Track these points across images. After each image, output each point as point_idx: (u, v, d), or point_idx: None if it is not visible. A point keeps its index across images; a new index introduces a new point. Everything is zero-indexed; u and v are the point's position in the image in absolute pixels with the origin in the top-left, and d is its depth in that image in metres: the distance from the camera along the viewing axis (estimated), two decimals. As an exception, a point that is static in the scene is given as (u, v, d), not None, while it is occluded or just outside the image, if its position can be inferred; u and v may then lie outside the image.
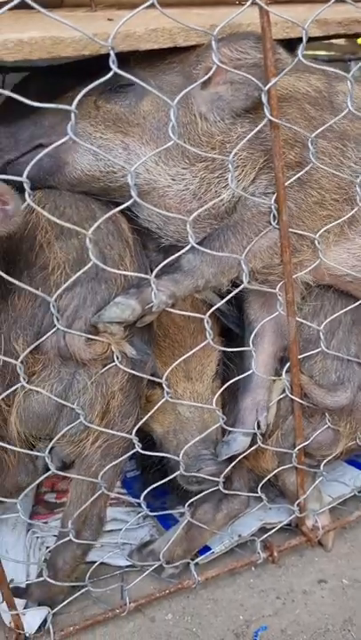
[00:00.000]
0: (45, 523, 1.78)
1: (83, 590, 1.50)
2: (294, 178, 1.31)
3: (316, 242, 1.38)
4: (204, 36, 1.26)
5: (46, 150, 1.14)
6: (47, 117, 1.37)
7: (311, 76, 1.46)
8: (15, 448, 1.32)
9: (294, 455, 1.56)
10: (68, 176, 1.38)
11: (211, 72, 1.21)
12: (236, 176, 1.36)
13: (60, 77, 1.74)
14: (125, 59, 1.36)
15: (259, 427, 1.50)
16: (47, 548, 1.70)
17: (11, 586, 1.46)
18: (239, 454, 1.49)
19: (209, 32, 1.14)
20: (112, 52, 1.05)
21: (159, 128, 1.35)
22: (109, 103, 1.36)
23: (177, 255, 1.28)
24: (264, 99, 1.22)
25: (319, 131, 1.30)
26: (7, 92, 1.10)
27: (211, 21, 1.35)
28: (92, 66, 1.18)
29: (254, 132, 1.28)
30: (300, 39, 1.22)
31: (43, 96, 1.40)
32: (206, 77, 1.24)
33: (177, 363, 1.37)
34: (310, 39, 1.60)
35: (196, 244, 1.24)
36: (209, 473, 1.46)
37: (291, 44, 1.44)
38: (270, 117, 1.23)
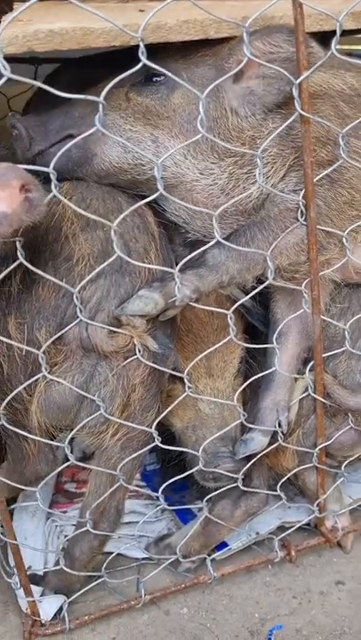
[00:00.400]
0: (64, 512, 1.80)
1: (99, 580, 1.52)
2: (323, 174, 1.29)
3: (343, 240, 1.36)
4: (236, 28, 1.25)
5: (74, 141, 1.15)
6: (77, 108, 1.37)
7: (347, 74, 1.43)
8: (36, 437, 1.33)
9: (315, 455, 1.54)
10: (96, 168, 1.37)
11: (241, 65, 1.19)
12: (266, 172, 1.34)
13: (91, 69, 1.74)
14: (157, 51, 1.36)
15: (280, 426, 1.48)
16: (65, 536, 1.71)
17: (28, 573, 1.48)
18: (258, 453, 1.48)
19: (241, 24, 1.12)
20: (141, 44, 1.04)
21: (189, 121, 1.33)
22: (140, 95, 1.35)
23: (202, 250, 1.27)
24: (295, 92, 1.20)
25: (350, 127, 1.27)
26: (38, 83, 1.11)
27: (243, 13, 1.33)
28: (124, 57, 1.17)
29: (284, 125, 1.26)
30: (334, 32, 1.20)
31: (74, 87, 1.41)
32: (237, 70, 1.22)
33: (199, 358, 1.37)
34: (345, 32, 1.59)
35: (222, 239, 1.23)
36: (226, 470, 1.45)
37: (325, 38, 1.41)
38: (301, 112, 1.21)
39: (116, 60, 1.31)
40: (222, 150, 1.34)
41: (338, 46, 1.20)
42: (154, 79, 1.34)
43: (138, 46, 1.05)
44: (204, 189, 1.36)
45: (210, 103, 1.32)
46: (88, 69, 1.77)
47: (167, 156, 1.32)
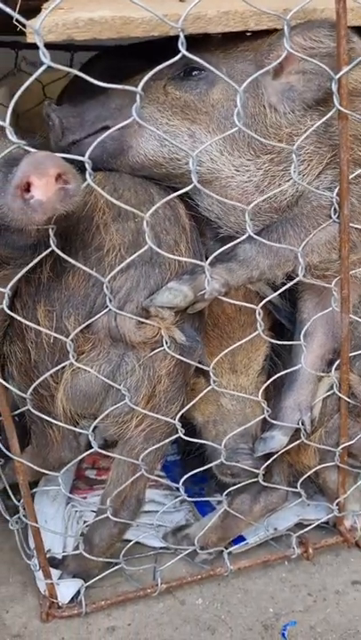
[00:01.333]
0: (84, 498, 1.82)
1: (116, 567, 1.54)
2: (359, 172, 1.27)
3: (377, 239, 1.34)
4: (277, 20, 1.23)
5: (109, 131, 1.15)
6: (114, 99, 1.36)
7: None
8: (60, 423, 1.35)
9: (337, 454, 1.53)
10: (131, 160, 1.37)
11: (280, 59, 1.18)
12: (302, 170, 1.32)
13: (127, 59, 1.74)
14: (197, 44, 1.35)
15: (303, 425, 1.48)
16: (85, 522, 1.73)
17: (47, 556, 1.51)
18: (277, 451, 1.48)
19: (282, 16, 1.11)
20: (181, 34, 1.04)
21: (227, 117, 1.31)
22: (179, 89, 1.34)
23: (233, 244, 1.27)
24: (334, 88, 1.19)
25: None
26: (77, 72, 1.11)
27: (285, 5, 1.31)
28: (160, 48, 1.16)
29: (322, 120, 1.24)
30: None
31: (109, 77, 1.40)
32: (276, 64, 1.21)
33: (224, 353, 1.37)
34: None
35: (254, 234, 1.22)
36: (245, 467, 1.46)
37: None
38: (339, 107, 1.20)
39: (151, 50, 1.31)
40: (259, 147, 1.32)
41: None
42: (193, 73, 1.33)
43: (176, 37, 1.04)
44: (239, 186, 1.35)
45: (248, 99, 1.31)
46: (124, 59, 1.77)
47: (203, 151, 1.31)
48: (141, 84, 1.06)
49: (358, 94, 1.34)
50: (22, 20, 1.03)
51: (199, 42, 1.36)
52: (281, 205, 1.36)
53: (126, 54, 1.79)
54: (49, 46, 1.24)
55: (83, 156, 1.03)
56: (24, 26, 1.05)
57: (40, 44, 0.98)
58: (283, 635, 1.48)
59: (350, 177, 1.27)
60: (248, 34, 1.39)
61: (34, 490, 1.57)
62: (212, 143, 1.32)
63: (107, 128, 1.33)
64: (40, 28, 1.02)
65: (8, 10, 1.00)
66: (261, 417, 1.47)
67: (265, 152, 1.33)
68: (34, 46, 1.00)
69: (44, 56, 0.98)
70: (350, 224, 1.31)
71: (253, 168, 1.34)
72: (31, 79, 0.99)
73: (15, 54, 2.27)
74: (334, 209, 1.29)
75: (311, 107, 1.32)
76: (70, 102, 1.48)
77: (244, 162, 1.34)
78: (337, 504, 1.63)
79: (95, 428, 1.70)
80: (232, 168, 1.34)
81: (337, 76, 1.18)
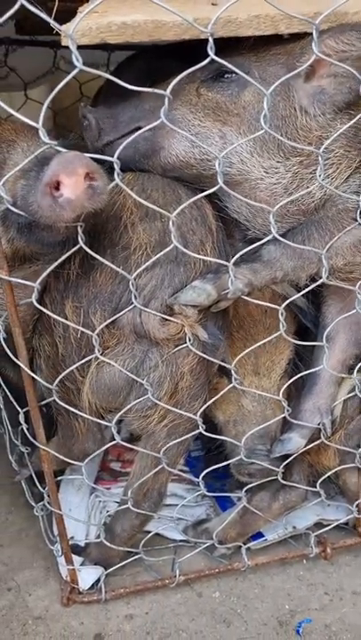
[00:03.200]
0: (108, 489, 1.86)
1: (136, 557, 1.58)
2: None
3: None
4: (308, 24, 1.24)
5: (140, 132, 1.18)
6: (148, 101, 1.38)
7: None
8: (86, 415, 1.39)
9: (358, 456, 1.54)
10: (163, 161, 1.38)
11: (310, 61, 1.19)
12: (330, 173, 1.33)
13: (163, 59, 1.76)
14: (230, 46, 1.37)
15: (324, 428, 1.50)
16: (107, 512, 1.78)
17: (70, 543, 1.56)
18: (293, 453, 1.50)
19: (311, 21, 1.12)
20: (210, 39, 1.05)
21: (258, 119, 1.30)
22: (211, 91, 1.35)
23: (258, 244, 1.28)
24: (362, 91, 1.19)
25: None
26: (107, 75, 1.14)
27: (316, 9, 1.31)
28: (197, 49, 1.18)
29: (351, 123, 1.25)
30: None
31: (144, 77, 1.43)
32: (306, 66, 1.22)
33: (247, 352, 1.39)
34: None
35: (279, 236, 1.24)
36: (260, 468, 1.48)
37: None
38: (367, 111, 1.20)
39: (188, 51, 1.33)
40: (288, 149, 1.33)
41: None
42: (225, 76, 1.34)
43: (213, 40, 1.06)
44: (268, 188, 1.36)
45: (280, 102, 1.32)
46: (160, 60, 1.79)
47: (233, 152, 1.33)
48: (170, 87, 1.08)
49: None
50: (56, 25, 1.07)
51: (232, 44, 1.38)
52: (309, 208, 1.37)
53: (163, 54, 1.81)
54: (88, 46, 1.28)
55: (114, 155, 1.06)
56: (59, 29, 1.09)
57: (73, 48, 1.01)
58: (297, 631, 1.50)
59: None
60: (285, 37, 1.40)
61: (59, 478, 1.62)
62: (242, 145, 1.33)
63: (139, 128, 1.36)
64: (73, 33, 1.06)
65: (44, 15, 1.03)
66: (281, 416, 1.49)
67: (295, 154, 1.34)
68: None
69: (77, 60, 1.01)
70: (376, 227, 1.32)
71: (283, 170, 1.34)
72: (63, 83, 1.02)
73: (54, 54, 2.32)
74: (360, 212, 1.29)
75: (342, 110, 1.32)
76: (105, 103, 1.51)
77: (273, 164, 1.34)
78: (357, 506, 1.63)
79: (121, 422, 1.75)
80: (261, 170, 1.35)
81: (366, 80, 1.19)
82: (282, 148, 1.33)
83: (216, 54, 1.08)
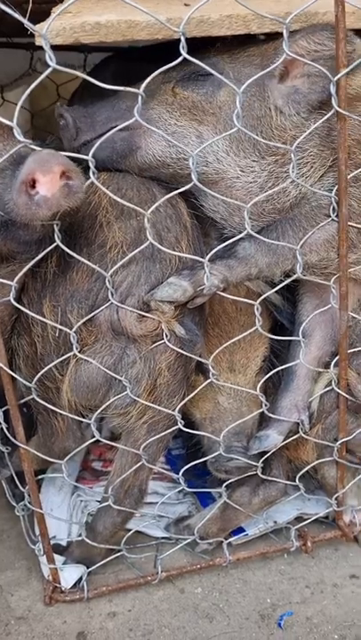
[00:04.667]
0: (90, 488, 1.87)
1: (118, 554, 1.58)
2: (356, 172, 1.30)
3: (375, 237, 1.37)
4: (279, 23, 1.26)
5: (114, 130, 1.19)
6: (125, 101, 1.40)
7: None
8: (66, 413, 1.39)
9: (336, 449, 1.56)
10: (140, 160, 1.40)
11: (280, 60, 1.21)
12: (305, 172, 1.35)
13: (140, 60, 1.77)
14: (206, 48, 1.38)
15: (303, 424, 1.52)
16: (89, 511, 1.78)
17: (52, 542, 1.56)
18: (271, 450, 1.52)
19: (281, 20, 1.14)
20: (183, 38, 1.07)
21: (233, 119, 1.34)
22: (187, 91, 1.37)
23: (233, 240, 1.30)
24: (333, 90, 1.22)
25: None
26: (82, 74, 1.15)
27: (287, 9, 1.34)
28: (174, 50, 1.19)
29: (321, 121, 1.27)
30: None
31: (120, 78, 1.44)
32: (276, 66, 1.24)
33: (222, 348, 1.41)
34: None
35: (255, 233, 1.25)
36: (237, 465, 1.50)
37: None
38: (338, 109, 1.23)
39: (165, 52, 1.34)
40: (264, 149, 1.35)
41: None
42: (201, 75, 1.36)
43: (188, 40, 1.08)
44: (244, 187, 1.38)
45: (255, 102, 1.34)
46: (136, 62, 1.81)
47: (209, 151, 1.35)
48: (143, 85, 1.10)
49: (360, 99, 1.36)
50: (30, 25, 1.08)
51: (208, 44, 1.40)
52: (284, 207, 1.39)
53: (139, 57, 1.82)
54: (64, 47, 1.29)
55: (93, 155, 1.07)
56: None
57: (46, 48, 1.02)
58: (279, 624, 1.51)
59: (349, 177, 1.30)
60: (262, 38, 1.43)
61: (40, 477, 1.62)
62: (218, 144, 1.35)
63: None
64: (47, 33, 1.07)
65: (18, 16, 1.04)
66: (257, 412, 1.51)
67: (270, 154, 1.36)
68: (51, 47, 1.03)
69: (50, 59, 1.02)
70: (349, 223, 1.34)
71: (258, 169, 1.36)
72: (37, 82, 1.04)
73: (31, 55, 2.33)
74: (333, 208, 1.32)
75: (316, 109, 1.35)
76: (82, 103, 1.52)
77: (249, 163, 1.36)
78: (336, 499, 1.65)
79: (102, 420, 1.75)
80: (237, 169, 1.37)
81: (335, 78, 1.21)
82: (257, 148, 1.36)
83: (191, 55, 1.10)
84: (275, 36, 1.35)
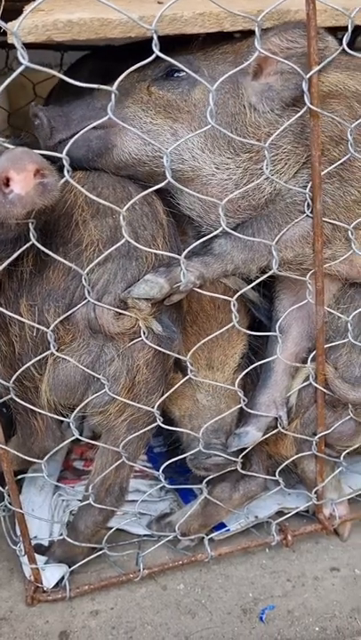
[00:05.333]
0: (72, 487, 1.86)
1: (100, 553, 1.58)
2: (330, 169, 1.31)
3: (349, 232, 1.38)
4: (251, 21, 1.27)
5: (88, 127, 1.19)
6: (100, 99, 1.40)
7: None
8: (44, 412, 1.39)
9: (315, 443, 1.58)
10: (116, 159, 1.40)
11: (253, 58, 1.22)
12: (279, 169, 1.37)
13: (115, 59, 1.77)
14: (181, 46, 1.39)
15: (280, 418, 1.53)
16: (71, 511, 1.78)
17: (34, 543, 1.55)
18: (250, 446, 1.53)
19: (253, 18, 1.15)
20: (155, 36, 1.08)
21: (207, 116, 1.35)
22: (162, 89, 1.38)
23: (209, 237, 1.31)
24: (305, 87, 1.23)
25: (356, 124, 1.30)
26: (56, 73, 1.15)
27: (260, 7, 1.35)
28: (149, 48, 1.19)
29: (295, 118, 1.29)
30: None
31: (96, 77, 1.44)
32: (250, 62, 1.25)
33: (199, 345, 1.41)
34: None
35: (230, 230, 1.26)
36: (216, 462, 1.51)
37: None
38: (310, 105, 1.24)
39: (141, 50, 1.34)
40: (239, 146, 1.36)
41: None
42: (175, 74, 1.37)
43: (162, 38, 1.08)
44: (220, 184, 1.39)
45: (229, 100, 1.35)
46: (112, 61, 1.81)
47: (185, 149, 1.36)
48: (116, 83, 1.10)
49: (334, 97, 1.38)
50: (1, 22, 1.08)
51: (183, 42, 1.40)
52: (259, 203, 1.40)
53: (115, 56, 1.82)
54: (40, 46, 1.29)
55: (68, 154, 1.07)
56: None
57: (18, 46, 1.02)
58: (261, 618, 1.52)
59: (323, 173, 1.32)
60: (237, 35, 1.43)
61: (20, 477, 1.62)
62: (194, 141, 1.36)
63: (93, 128, 1.36)
64: (18, 30, 1.07)
65: (-12, 14, 1.04)
66: (236, 408, 1.52)
67: (244, 151, 1.37)
68: (26, 46, 1.03)
69: (23, 57, 1.02)
70: (323, 219, 1.35)
71: (233, 166, 1.38)
72: (8, 81, 1.03)
73: (6, 54, 2.31)
74: (307, 204, 1.33)
75: (289, 106, 1.36)
76: (58, 102, 1.52)
77: (224, 160, 1.37)
78: (315, 493, 1.67)
79: (82, 419, 1.75)
80: (213, 166, 1.38)
81: (308, 76, 1.23)
82: (232, 145, 1.37)
83: (166, 53, 1.10)
84: (249, 35, 1.36)
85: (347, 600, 1.57)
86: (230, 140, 1.36)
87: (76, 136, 1.16)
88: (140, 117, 1.39)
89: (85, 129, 1.17)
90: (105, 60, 1.90)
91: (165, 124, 1.38)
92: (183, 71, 1.34)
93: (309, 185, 1.32)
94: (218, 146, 1.37)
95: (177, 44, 1.39)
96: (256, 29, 1.15)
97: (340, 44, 1.29)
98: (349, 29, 1.22)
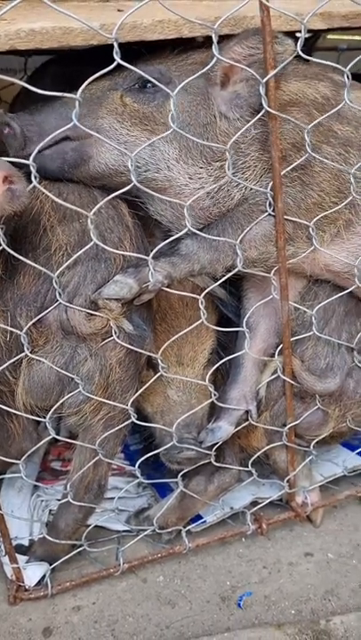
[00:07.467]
0: (51, 487, 1.89)
1: (80, 549, 1.61)
2: (289, 168, 1.36)
3: (310, 230, 1.43)
4: (209, 28, 1.31)
5: (55, 134, 1.20)
6: (72, 107, 1.40)
7: (319, 84, 1.49)
8: (21, 414, 1.41)
9: (285, 434, 1.63)
10: (93, 170, 1.40)
11: (210, 64, 1.26)
12: (248, 176, 1.41)
13: (82, 63, 1.79)
14: (155, 56, 1.42)
15: (251, 414, 1.58)
16: (50, 511, 1.80)
17: (15, 543, 1.57)
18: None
19: (209, 25, 1.19)
20: (115, 44, 1.11)
21: (183, 128, 1.35)
22: (137, 102, 1.39)
23: (175, 238, 1.35)
24: (262, 91, 1.27)
25: (314, 123, 1.35)
26: (20, 82, 1.18)
27: (217, 13, 1.39)
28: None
29: (254, 120, 1.33)
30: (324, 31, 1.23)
31: (62, 82, 1.45)
32: (206, 70, 1.28)
33: (170, 342, 1.45)
34: (316, 32, 1.64)
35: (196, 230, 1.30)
36: (188, 456, 1.55)
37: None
38: (267, 108, 1.29)
39: (106, 54, 1.36)
40: (210, 155, 1.40)
41: (330, 36, 1.27)
42: (148, 86, 1.38)
43: (128, 44, 1.11)
44: (192, 193, 1.41)
45: (200, 110, 1.39)
46: (77, 64, 1.82)
47: (160, 159, 1.39)
48: (79, 92, 1.13)
49: (294, 104, 1.43)
50: None
51: (155, 52, 1.43)
52: (229, 209, 1.44)
53: (80, 59, 1.84)
54: (3, 52, 1.30)
55: (42, 165, 1.08)
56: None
57: (-20, 56, 1.04)
58: (239, 605, 1.57)
59: (283, 175, 1.37)
60: (200, 39, 1.46)
61: (-1, 478, 1.64)
62: (169, 151, 1.38)
63: (67, 138, 1.37)
64: (-19, 41, 1.09)
65: None
66: (207, 402, 1.56)
67: (215, 159, 1.41)
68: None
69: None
70: (285, 216, 1.40)
71: (205, 175, 1.41)
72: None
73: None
74: (269, 203, 1.38)
75: (258, 111, 1.40)
76: (26, 109, 1.51)
77: (197, 170, 1.41)
78: (288, 481, 1.72)
79: (59, 420, 1.77)
80: (186, 176, 1.41)
81: (264, 80, 1.27)
82: (204, 154, 1.40)
83: (140, 59, 1.11)
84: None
85: (321, 583, 1.63)
86: (202, 150, 1.39)
87: (44, 141, 1.18)
88: (115, 129, 1.39)
89: (53, 135, 1.19)
90: (69, 65, 1.91)
91: (142, 135, 1.39)
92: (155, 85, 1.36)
93: (270, 184, 1.37)
94: (191, 156, 1.40)
95: (149, 53, 1.42)
96: (213, 36, 1.19)
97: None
98: (303, 34, 1.26)
